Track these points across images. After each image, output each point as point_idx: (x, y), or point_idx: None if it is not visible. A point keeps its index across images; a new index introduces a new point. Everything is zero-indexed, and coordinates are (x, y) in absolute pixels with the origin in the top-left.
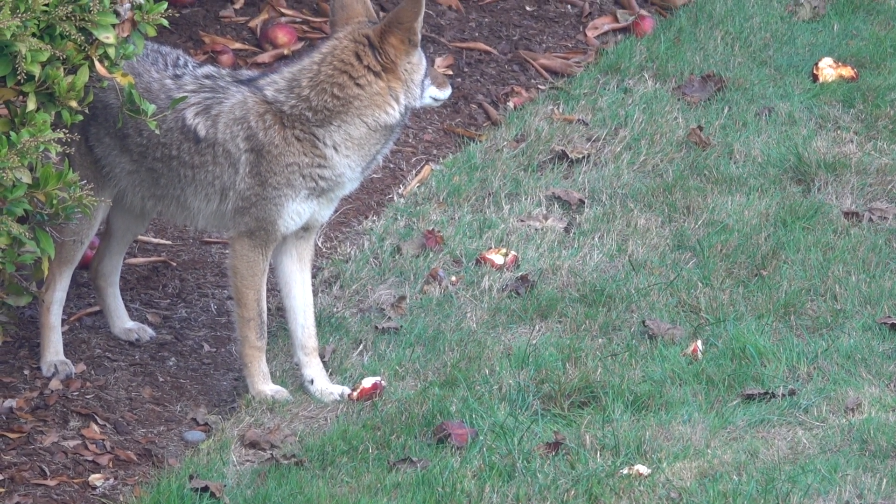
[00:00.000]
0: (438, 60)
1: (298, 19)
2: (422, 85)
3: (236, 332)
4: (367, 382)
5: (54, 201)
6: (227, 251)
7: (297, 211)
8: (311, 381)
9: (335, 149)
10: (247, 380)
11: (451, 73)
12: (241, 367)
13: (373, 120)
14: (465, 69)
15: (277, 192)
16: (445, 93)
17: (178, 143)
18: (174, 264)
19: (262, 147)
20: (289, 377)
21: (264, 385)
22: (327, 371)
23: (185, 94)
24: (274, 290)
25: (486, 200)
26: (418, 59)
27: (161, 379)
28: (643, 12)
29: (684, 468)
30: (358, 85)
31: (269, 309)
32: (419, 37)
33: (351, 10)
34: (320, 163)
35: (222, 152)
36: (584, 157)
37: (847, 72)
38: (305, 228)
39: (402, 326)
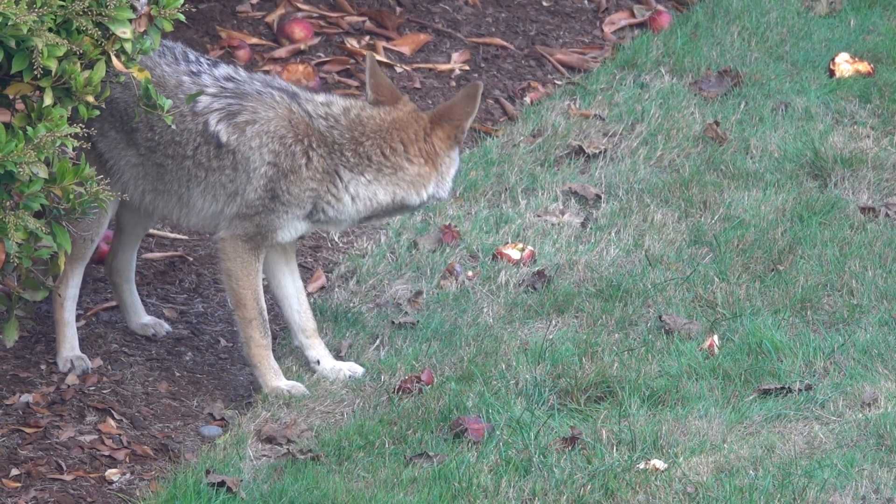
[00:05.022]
0: (455, 56)
1: (315, 14)
2: (452, 180)
3: (239, 335)
4: None
5: (71, 196)
6: (217, 255)
7: (297, 227)
8: (318, 362)
9: (353, 198)
10: (259, 380)
11: (467, 67)
12: (252, 369)
13: (402, 195)
14: (482, 64)
15: (285, 208)
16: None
17: (196, 144)
18: (191, 259)
19: (291, 167)
20: (305, 372)
21: (278, 381)
22: None
23: (200, 90)
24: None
25: (503, 195)
26: (456, 156)
27: (177, 374)
28: (660, 7)
29: (701, 463)
30: (409, 159)
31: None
32: (465, 135)
33: (394, 92)
34: (330, 200)
35: (241, 159)
36: (600, 153)
37: (864, 67)
38: None
39: (418, 321)
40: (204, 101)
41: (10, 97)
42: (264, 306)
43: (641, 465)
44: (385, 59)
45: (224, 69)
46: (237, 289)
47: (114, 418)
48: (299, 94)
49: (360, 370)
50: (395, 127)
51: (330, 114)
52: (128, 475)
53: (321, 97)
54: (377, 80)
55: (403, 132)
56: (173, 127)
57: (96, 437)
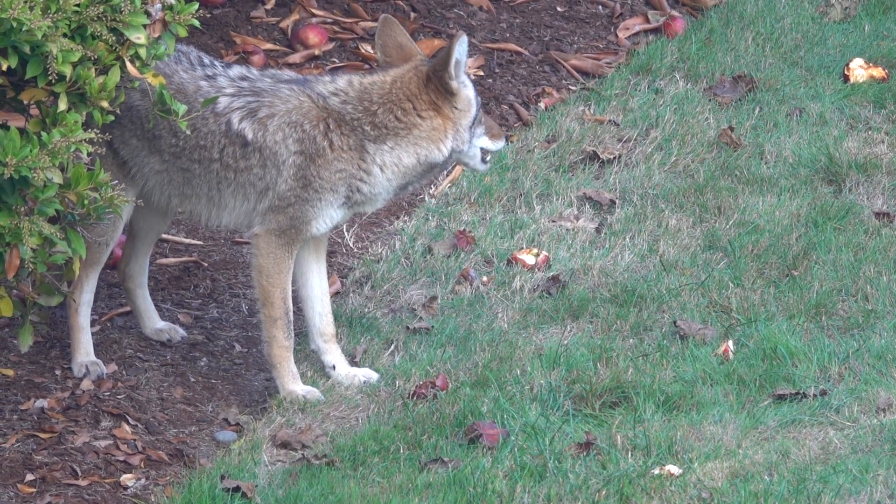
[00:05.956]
0: (469, 61)
1: (329, 20)
2: (470, 131)
3: (263, 333)
4: None
5: (85, 201)
6: (250, 250)
7: (332, 216)
8: (333, 367)
9: (381, 168)
10: (276, 381)
11: (482, 73)
12: (270, 369)
13: (424, 153)
14: (497, 70)
15: (318, 196)
16: (498, 144)
17: (222, 146)
18: (205, 264)
19: (316, 151)
20: (320, 377)
21: (295, 385)
22: None
23: (217, 94)
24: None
25: (518, 201)
26: (466, 106)
27: (192, 379)
28: (674, 13)
29: (715, 468)
30: (420, 115)
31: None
32: (454, 84)
33: (407, 50)
34: (362, 177)
35: (269, 154)
36: (615, 158)
37: (878, 72)
38: None
39: (433, 327)
40: (224, 101)
41: (25, 102)
42: (291, 307)
43: (656, 471)
44: None
45: (237, 70)
46: (266, 286)
47: (129, 423)
48: (309, 80)
49: (374, 376)
50: (396, 86)
51: (339, 89)
52: (143, 480)
53: (327, 77)
54: (385, 41)
55: (407, 88)
56: (188, 132)
57: (111, 442)
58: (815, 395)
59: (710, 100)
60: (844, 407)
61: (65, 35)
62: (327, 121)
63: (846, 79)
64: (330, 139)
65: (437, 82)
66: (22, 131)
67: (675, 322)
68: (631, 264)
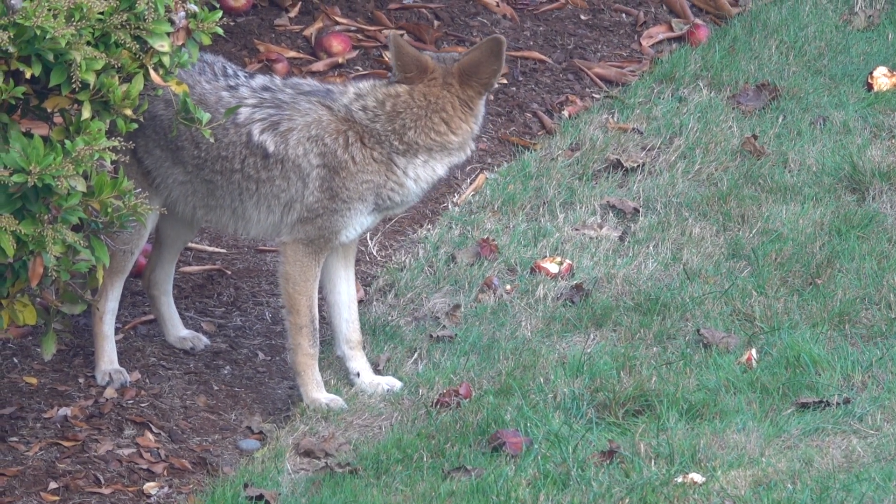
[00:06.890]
0: None
1: (353, 28)
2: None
3: (288, 341)
4: None
5: (109, 209)
6: (278, 258)
7: (361, 223)
8: (358, 374)
9: (414, 181)
10: (300, 388)
11: (505, 81)
12: (294, 376)
13: (455, 161)
14: (520, 78)
15: (347, 206)
16: None
17: (243, 157)
18: (229, 273)
19: (339, 164)
20: (343, 385)
21: (318, 393)
22: None
23: (239, 104)
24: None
25: (541, 209)
26: (484, 101)
27: (216, 387)
28: (698, 21)
29: (739, 476)
30: (453, 132)
31: (321, 317)
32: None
33: (423, 61)
34: (393, 187)
35: (292, 167)
36: (638, 166)
37: None
38: None
39: (456, 335)
40: (245, 112)
41: (49, 110)
42: (317, 315)
43: (679, 479)
44: None
45: (260, 79)
46: (293, 293)
47: (152, 432)
48: (332, 91)
49: (398, 384)
50: (432, 109)
51: (366, 106)
52: (166, 489)
53: (352, 89)
54: (403, 61)
55: (443, 111)
56: (211, 140)
57: (134, 450)
58: (838, 404)
59: (733, 108)
60: (868, 415)
61: (88, 43)
62: (347, 134)
63: (870, 87)
64: (351, 153)
65: (480, 87)
66: (45, 139)
67: (698, 330)
68: (654, 273)
